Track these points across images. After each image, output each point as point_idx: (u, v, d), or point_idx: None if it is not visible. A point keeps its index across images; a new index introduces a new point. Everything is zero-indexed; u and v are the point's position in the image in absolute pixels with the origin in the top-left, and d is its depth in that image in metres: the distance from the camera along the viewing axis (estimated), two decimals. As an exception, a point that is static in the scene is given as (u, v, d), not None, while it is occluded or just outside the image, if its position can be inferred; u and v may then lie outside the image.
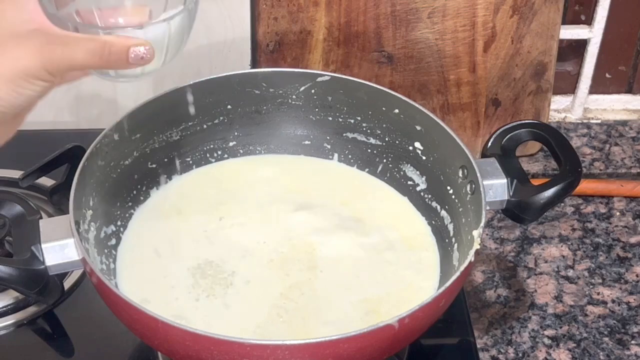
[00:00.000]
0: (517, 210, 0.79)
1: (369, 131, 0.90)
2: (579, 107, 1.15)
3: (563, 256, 0.96)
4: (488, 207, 0.76)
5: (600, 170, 1.08)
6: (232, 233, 0.84)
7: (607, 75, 1.14)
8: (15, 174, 0.88)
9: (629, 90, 1.16)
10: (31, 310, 0.84)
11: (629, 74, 1.14)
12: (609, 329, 0.89)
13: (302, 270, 0.81)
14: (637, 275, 0.95)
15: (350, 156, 0.92)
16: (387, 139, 0.89)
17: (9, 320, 0.84)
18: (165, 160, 0.88)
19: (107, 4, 0.68)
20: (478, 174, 0.77)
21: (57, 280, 0.77)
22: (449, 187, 0.83)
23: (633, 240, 0.98)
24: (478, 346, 0.86)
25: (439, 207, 0.85)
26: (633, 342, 0.88)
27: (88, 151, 0.78)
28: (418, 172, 0.87)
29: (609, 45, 1.10)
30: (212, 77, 0.86)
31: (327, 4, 0.99)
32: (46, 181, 0.91)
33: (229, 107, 0.89)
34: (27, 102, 0.62)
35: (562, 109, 1.16)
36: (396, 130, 0.87)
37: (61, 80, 0.66)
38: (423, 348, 0.83)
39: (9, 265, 0.70)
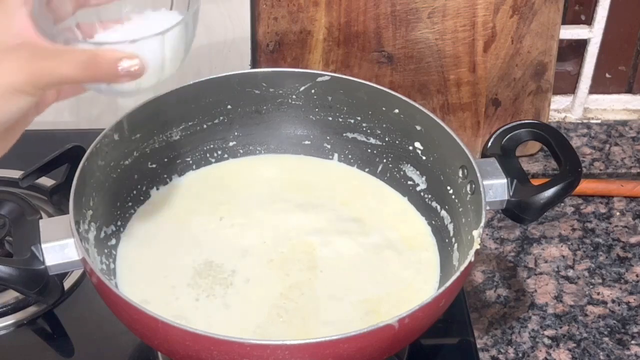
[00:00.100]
0: (517, 210, 0.79)
1: (369, 131, 0.90)
2: (579, 107, 1.15)
3: (563, 256, 0.96)
4: (488, 207, 0.76)
5: (600, 170, 1.08)
6: (232, 233, 0.84)
7: (607, 75, 1.14)
8: (15, 174, 0.88)
9: (629, 90, 1.16)
10: (31, 310, 0.84)
11: (629, 74, 1.14)
12: (609, 329, 0.89)
13: (302, 270, 0.81)
14: (637, 275, 0.95)
15: (350, 156, 0.92)
16: (387, 139, 0.89)
17: (9, 320, 0.84)
18: (165, 160, 0.88)
19: (108, 16, 0.67)
20: (478, 174, 0.77)
21: (57, 280, 0.77)
22: (449, 187, 0.83)
23: (633, 240, 0.98)
24: (478, 346, 0.86)
25: (439, 207, 0.85)
26: (633, 342, 0.88)
27: (88, 151, 0.78)
28: (418, 172, 0.87)
29: (609, 45, 1.10)
30: (212, 77, 0.86)
31: (327, 4, 0.99)
32: (46, 181, 0.91)
33: (229, 107, 0.89)
34: (15, 118, 0.60)
35: (562, 109, 1.16)
36: (396, 130, 0.87)
37: (54, 96, 0.65)
38: (423, 348, 0.83)
39: (9, 265, 0.70)
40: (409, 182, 0.88)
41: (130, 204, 0.85)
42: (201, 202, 0.87)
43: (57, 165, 0.84)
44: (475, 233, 0.73)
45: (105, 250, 0.80)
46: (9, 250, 0.84)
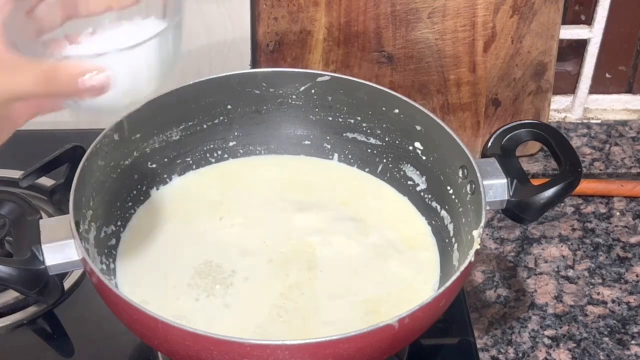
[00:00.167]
0: (517, 210, 0.79)
1: (369, 131, 0.90)
2: (579, 107, 1.15)
3: (563, 256, 0.96)
4: (488, 207, 0.76)
5: (600, 170, 1.08)
6: (232, 233, 0.84)
7: (607, 75, 1.14)
8: (15, 174, 0.88)
9: (629, 90, 1.16)
10: (31, 310, 0.84)
11: (629, 74, 1.14)
12: (609, 329, 0.89)
13: (302, 270, 0.81)
14: (637, 275, 0.95)
15: (350, 156, 0.92)
16: (387, 139, 0.89)
17: (9, 320, 0.84)
18: (165, 160, 0.88)
19: (99, 26, 0.63)
20: (478, 174, 0.77)
21: (57, 280, 0.77)
22: (449, 187, 0.83)
23: (633, 240, 0.98)
24: (478, 346, 0.86)
25: (439, 207, 0.85)
26: (633, 342, 0.88)
27: (88, 151, 0.78)
28: (418, 172, 0.87)
29: (609, 45, 1.10)
30: (212, 77, 0.86)
31: (327, 4, 0.99)
32: (46, 181, 0.91)
33: (229, 107, 0.89)
34: None
35: (562, 109, 1.16)
36: (396, 130, 0.87)
37: (26, 110, 0.61)
38: (423, 348, 0.83)
39: (9, 265, 0.70)
40: (409, 182, 0.88)
41: (130, 204, 0.85)
42: (201, 202, 0.87)
43: (57, 165, 0.84)
44: (475, 233, 0.73)
45: (105, 250, 0.80)
46: (9, 250, 0.84)
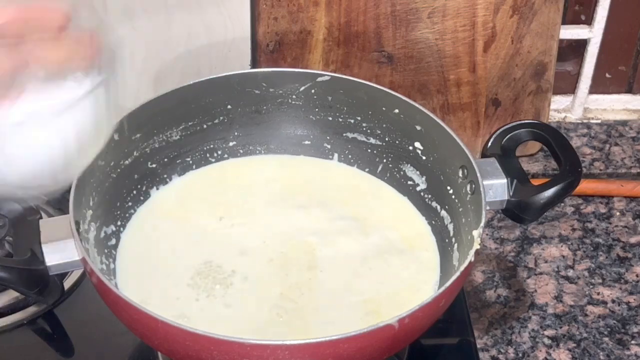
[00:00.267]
0: (517, 210, 0.79)
1: (369, 131, 0.90)
2: (579, 107, 1.15)
3: (563, 256, 0.96)
4: (488, 207, 0.76)
5: (600, 170, 1.08)
6: (232, 233, 0.84)
7: (607, 75, 1.14)
8: (15, 174, 0.88)
9: (629, 90, 1.16)
10: (31, 310, 0.84)
11: (629, 74, 1.14)
12: (609, 329, 0.89)
13: (302, 270, 0.81)
14: (637, 275, 0.95)
15: (350, 156, 0.92)
16: (387, 139, 0.89)
17: (9, 320, 0.84)
18: (165, 160, 0.88)
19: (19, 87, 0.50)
20: (478, 174, 0.77)
21: (57, 280, 0.77)
22: (449, 187, 0.83)
23: (633, 240, 0.98)
24: (478, 346, 0.86)
25: (439, 207, 0.85)
26: (633, 342, 0.88)
27: (88, 151, 0.78)
28: (418, 172, 0.87)
29: (609, 45, 1.10)
30: (212, 77, 0.86)
31: (327, 4, 0.99)
32: (46, 181, 0.91)
33: (229, 107, 0.89)
34: None
35: (562, 109, 1.16)
36: (396, 130, 0.87)
37: None
38: (423, 348, 0.83)
39: (9, 265, 0.70)
40: (409, 182, 0.88)
41: (130, 204, 0.85)
42: (201, 202, 0.87)
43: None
44: (475, 233, 0.73)
45: (105, 250, 0.80)
46: (9, 250, 0.84)
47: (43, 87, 0.49)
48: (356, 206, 0.88)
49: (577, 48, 1.11)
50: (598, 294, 0.92)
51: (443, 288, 0.68)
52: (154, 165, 0.87)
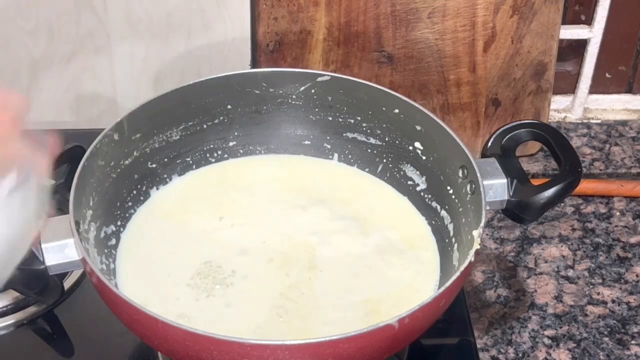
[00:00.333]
0: (517, 210, 0.79)
1: (369, 131, 0.90)
2: (579, 107, 1.15)
3: (563, 256, 0.96)
4: (488, 207, 0.76)
5: (600, 170, 1.08)
6: (232, 233, 0.84)
7: (607, 75, 1.14)
8: (15, 174, 0.88)
9: (629, 90, 1.16)
10: (31, 310, 0.84)
11: (629, 74, 1.14)
12: (609, 329, 0.89)
13: (302, 270, 0.81)
14: (637, 275, 0.94)
15: (350, 156, 0.92)
16: (387, 139, 0.89)
17: (9, 320, 0.84)
18: (165, 160, 0.88)
19: None
20: (478, 174, 0.77)
21: (57, 280, 0.77)
22: (449, 187, 0.83)
23: (633, 240, 0.98)
24: (478, 346, 0.86)
25: (439, 207, 0.85)
26: (633, 342, 0.88)
27: (88, 151, 0.78)
28: (418, 172, 0.87)
29: (609, 45, 1.10)
30: (212, 77, 0.86)
31: (327, 4, 0.99)
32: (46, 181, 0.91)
33: (229, 107, 0.89)
34: None
35: (562, 109, 1.16)
36: (396, 130, 0.87)
37: None
38: (423, 348, 0.83)
39: (9, 265, 0.70)
40: (409, 182, 0.88)
41: (130, 204, 0.85)
42: (201, 202, 0.87)
43: (57, 165, 0.84)
44: (475, 233, 0.73)
45: (105, 250, 0.80)
46: (9, 250, 0.84)
47: None
48: (356, 206, 0.88)
49: (577, 48, 1.11)
50: (598, 294, 0.92)
51: (443, 288, 0.68)
52: (154, 165, 0.87)
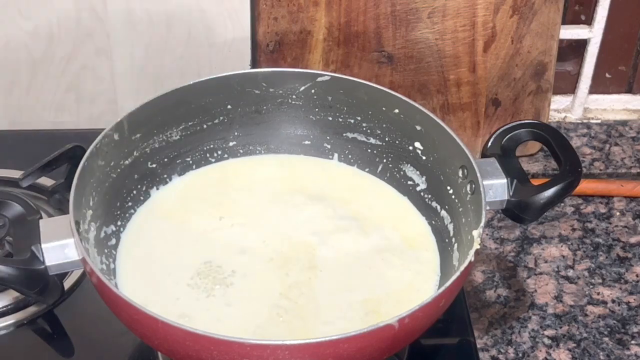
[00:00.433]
0: (517, 210, 0.79)
1: (369, 131, 0.90)
2: (579, 107, 1.15)
3: (563, 256, 0.96)
4: (488, 207, 0.76)
5: (600, 170, 1.08)
6: (232, 233, 0.84)
7: (607, 75, 1.14)
8: (15, 174, 0.88)
9: (629, 90, 1.16)
10: (31, 310, 0.84)
11: (629, 74, 1.14)
12: (609, 329, 0.89)
13: (302, 270, 0.81)
14: (637, 275, 0.95)
15: (350, 156, 0.92)
16: (387, 139, 0.89)
17: (9, 320, 0.83)
18: (165, 160, 0.88)
19: None
20: (478, 174, 0.77)
21: (57, 280, 0.77)
22: (449, 187, 0.83)
23: (633, 240, 0.98)
24: (478, 346, 0.86)
25: (439, 207, 0.85)
26: (633, 342, 0.88)
27: (88, 151, 0.78)
28: (418, 172, 0.87)
29: (609, 45, 1.10)
30: (212, 77, 0.86)
31: (327, 4, 0.99)
32: (46, 181, 0.91)
33: (229, 107, 0.89)
34: None
35: (562, 109, 1.16)
36: (396, 130, 0.87)
37: None
38: (423, 348, 0.83)
39: (9, 265, 0.70)
40: (409, 182, 0.88)
41: (130, 204, 0.85)
42: (201, 202, 0.87)
43: (57, 165, 0.84)
44: (475, 233, 0.73)
45: (105, 250, 0.80)
46: (9, 250, 0.84)
47: None
48: (356, 206, 0.88)
49: (577, 48, 1.11)
50: (598, 294, 0.93)
51: (443, 288, 0.68)
52: (154, 165, 0.87)
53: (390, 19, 1.00)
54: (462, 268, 0.70)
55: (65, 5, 1.00)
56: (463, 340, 0.85)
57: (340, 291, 0.79)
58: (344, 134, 0.91)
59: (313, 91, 0.88)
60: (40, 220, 0.73)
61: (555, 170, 0.93)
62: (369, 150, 0.90)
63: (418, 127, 0.85)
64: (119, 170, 0.83)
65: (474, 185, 0.77)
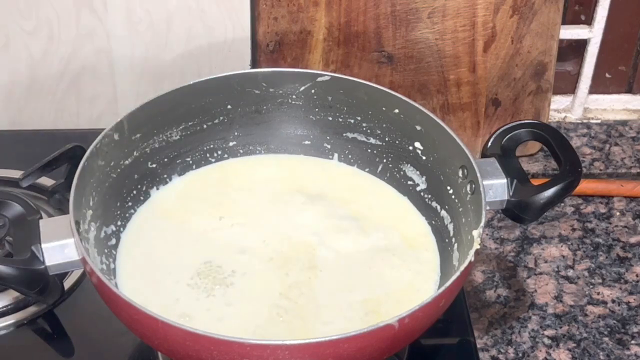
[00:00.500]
0: (517, 210, 0.79)
1: (369, 131, 0.90)
2: (579, 107, 1.15)
3: (563, 256, 0.96)
4: (488, 207, 0.76)
5: (600, 170, 1.08)
6: (232, 233, 0.84)
7: (607, 75, 1.14)
8: (15, 174, 0.88)
9: (629, 90, 1.16)
10: (31, 310, 0.84)
11: (629, 74, 1.14)
12: (609, 329, 0.89)
13: (302, 270, 0.81)
14: (637, 275, 0.95)
15: (350, 156, 0.92)
16: (387, 139, 0.89)
17: (9, 320, 0.84)
18: (165, 160, 0.88)
19: None
20: (478, 174, 0.77)
21: (57, 280, 0.77)
22: (449, 187, 0.83)
23: (633, 240, 0.98)
24: (478, 346, 0.86)
25: (439, 207, 0.85)
26: (633, 342, 0.88)
27: (88, 151, 0.78)
28: (418, 172, 0.87)
29: (609, 45, 1.10)
30: (212, 77, 0.86)
31: (327, 4, 0.99)
32: (46, 181, 0.91)
33: (229, 107, 0.89)
34: None
35: (562, 109, 1.16)
36: (396, 130, 0.87)
37: None
38: (423, 348, 0.83)
39: (9, 265, 0.70)
40: (409, 182, 0.88)
41: (130, 204, 0.85)
42: (201, 202, 0.87)
43: (57, 165, 0.84)
44: (475, 233, 0.73)
45: (105, 250, 0.80)
46: (9, 250, 0.84)
47: None
48: (356, 206, 0.88)
49: (577, 48, 1.11)
50: (598, 294, 0.93)
51: (443, 288, 0.68)
52: (154, 165, 0.87)
53: (390, 19, 1.00)
54: (462, 268, 0.70)
55: (65, 5, 1.00)
56: (463, 340, 0.85)
57: (340, 291, 0.79)
58: (344, 134, 0.91)
59: (313, 91, 0.88)
60: (40, 220, 0.73)
61: (555, 170, 0.93)
62: (369, 150, 0.90)
63: (418, 127, 0.85)
64: (119, 170, 0.83)
65: (474, 185, 0.77)
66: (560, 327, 0.89)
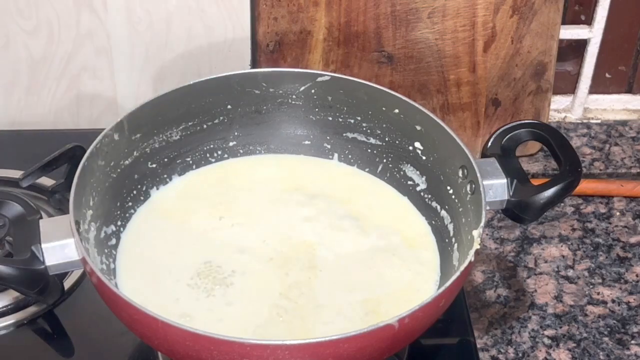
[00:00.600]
0: (517, 210, 0.79)
1: (369, 131, 0.90)
2: (579, 107, 1.15)
3: (563, 256, 0.96)
4: (488, 207, 0.76)
5: (600, 170, 1.08)
6: (232, 233, 0.84)
7: (607, 75, 1.14)
8: (15, 174, 0.88)
9: (629, 90, 1.16)
10: (31, 310, 0.84)
11: (629, 74, 1.14)
12: (609, 329, 0.89)
13: (302, 269, 0.81)
14: (637, 275, 0.95)
15: (350, 156, 0.92)
16: (387, 139, 0.89)
17: (9, 320, 0.83)
18: (165, 160, 0.88)
19: None
20: (478, 174, 0.77)
21: (57, 280, 0.77)
22: (449, 187, 0.83)
23: (633, 240, 0.98)
24: (478, 346, 0.86)
25: (439, 207, 0.85)
26: (633, 342, 0.88)
27: (88, 151, 0.78)
28: (418, 172, 0.87)
29: (609, 45, 1.10)
30: (212, 77, 0.86)
31: (327, 4, 0.99)
32: (46, 181, 0.91)
33: (229, 107, 0.89)
34: None
35: (562, 109, 1.16)
36: (396, 130, 0.87)
37: None
38: (423, 348, 0.83)
39: (9, 265, 0.70)
40: (409, 182, 0.88)
41: (130, 204, 0.85)
42: (201, 202, 0.87)
43: (57, 165, 0.84)
44: (475, 233, 0.73)
45: (105, 250, 0.80)
46: (9, 250, 0.84)
47: None
48: (356, 206, 0.88)
49: (577, 48, 1.11)
50: (598, 294, 0.93)
51: (443, 288, 0.68)
52: (154, 165, 0.87)
53: (390, 19, 1.00)
54: (462, 268, 0.70)
55: (65, 5, 1.00)
56: (463, 340, 0.85)
57: (340, 291, 0.79)
58: (344, 134, 0.91)
59: (313, 91, 0.88)
60: (40, 220, 0.73)
61: (555, 170, 0.93)
62: (369, 150, 0.90)
63: (418, 127, 0.85)
64: (119, 170, 0.83)
65: (474, 185, 0.77)
66: (560, 327, 0.89)
